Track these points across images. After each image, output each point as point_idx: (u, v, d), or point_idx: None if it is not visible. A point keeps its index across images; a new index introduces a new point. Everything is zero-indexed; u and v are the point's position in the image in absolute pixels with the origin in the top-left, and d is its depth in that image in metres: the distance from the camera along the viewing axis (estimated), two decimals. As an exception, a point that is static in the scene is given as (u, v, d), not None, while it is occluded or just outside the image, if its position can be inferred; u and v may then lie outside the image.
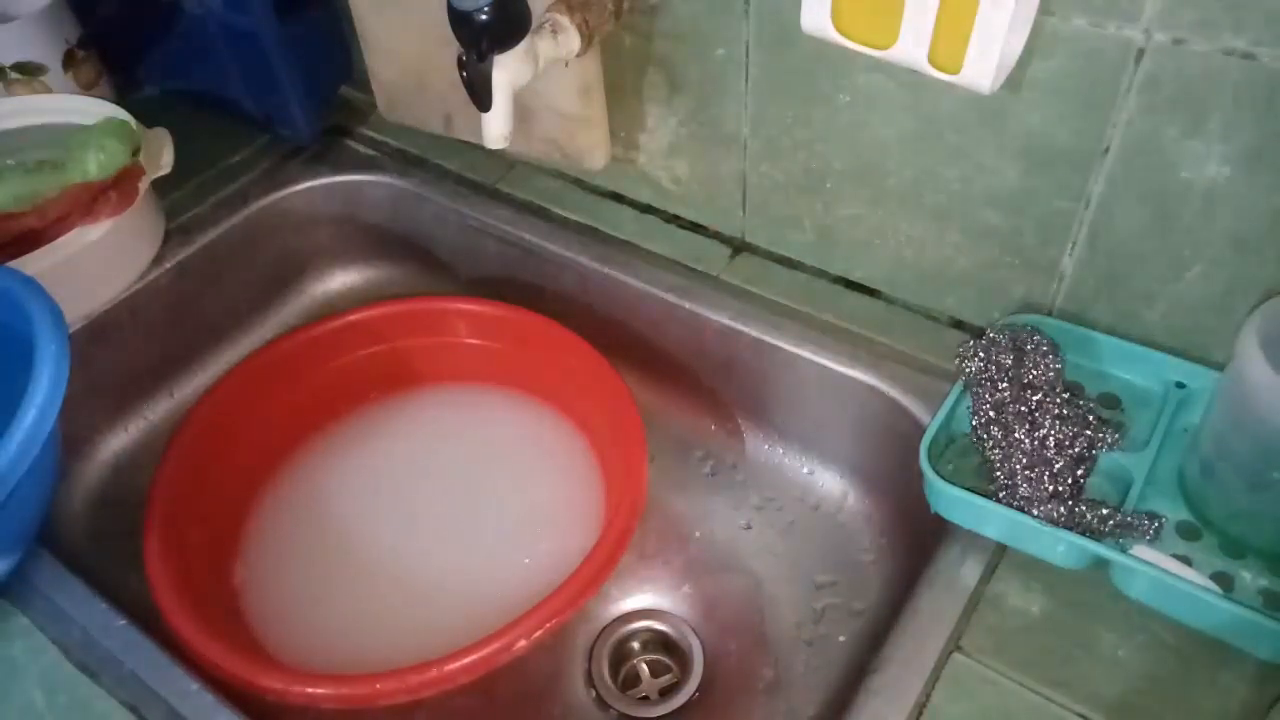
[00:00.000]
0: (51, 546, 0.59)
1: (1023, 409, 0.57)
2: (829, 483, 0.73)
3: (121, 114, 0.76)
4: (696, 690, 0.66)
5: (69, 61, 0.83)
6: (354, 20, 0.77)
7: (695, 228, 0.77)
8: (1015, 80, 0.54)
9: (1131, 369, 0.61)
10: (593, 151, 0.73)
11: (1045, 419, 0.57)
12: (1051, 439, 0.56)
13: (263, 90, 0.84)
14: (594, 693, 0.67)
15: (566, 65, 0.66)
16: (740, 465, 0.76)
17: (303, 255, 0.87)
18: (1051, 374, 0.58)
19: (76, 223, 0.69)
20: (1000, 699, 0.50)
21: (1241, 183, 0.51)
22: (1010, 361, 0.59)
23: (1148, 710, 0.49)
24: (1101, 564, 0.53)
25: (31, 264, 0.65)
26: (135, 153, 0.72)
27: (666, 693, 0.67)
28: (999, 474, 0.56)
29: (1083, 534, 0.52)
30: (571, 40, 0.62)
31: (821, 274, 0.72)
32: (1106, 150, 0.54)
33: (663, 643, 0.70)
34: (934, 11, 0.49)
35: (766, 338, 0.69)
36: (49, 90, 0.82)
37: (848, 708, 0.51)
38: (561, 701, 0.67)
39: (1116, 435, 0.57)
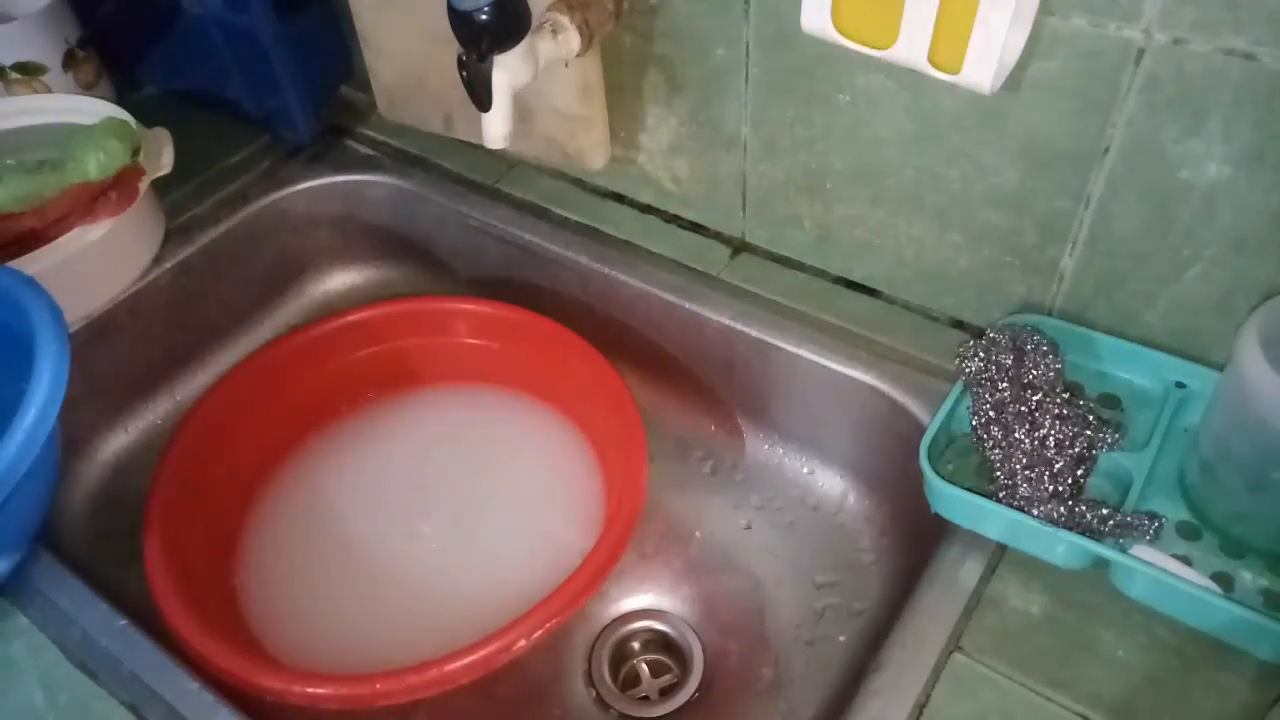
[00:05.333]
0: (51, 546, 0.59)
1: (1023, 409, 0.57)
2: (829, 483, 0.73)
3: (121, 114, 0.76)
4: (696, 690, 0.66)
5: (69, 61, 0.83)
6: (354, 20, 0.77)
7: (695, 228, 0.77)
8: (1015, 80, 0.54)
9: (1131, 369, 0.61)
10: (593, 151, 0.73)
11: (1045, 419, 0.57)
12: (1051, 439, 0.56)
13: (262, 90, 0.84)
14: (594, 693, 0.67)
15: (566, 65, 0.66)
16: (740, 465, 0.76)
17: (303, 255, 0.87)
18: (1051, 374, 0.58)
19: (76, 223, 0.69)
20: (1000, 699, 0.50)
21: (1241, 183, 0.51)
22: (1010, 361, 0.59)
23: (1148, 710, 0.49)
24: (1101, 564, 0.53)
25: (31, 264, 0.65)
26: (135, 153, 0.72)
27: (666, 693, 0.67)
28: (999, 474, 0.56)
29: (1083, 534, 0.52)
30: (571, 40, 0.62)
31: (821, 274, 0.72)
32: (1106, 150, 0.54)
33: (663, 643, 0.70)
34: (934, 11, 0.49)
35: (766, 338, 0.69)
36: (49, 90, 0.82)
37: (848, 708, 0.51)
38: (561, 701, 0.67)
39: (1116, 435, 0.57)
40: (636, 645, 0.70)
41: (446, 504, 0.72)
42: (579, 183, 0.81)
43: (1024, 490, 0.54)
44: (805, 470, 0.74)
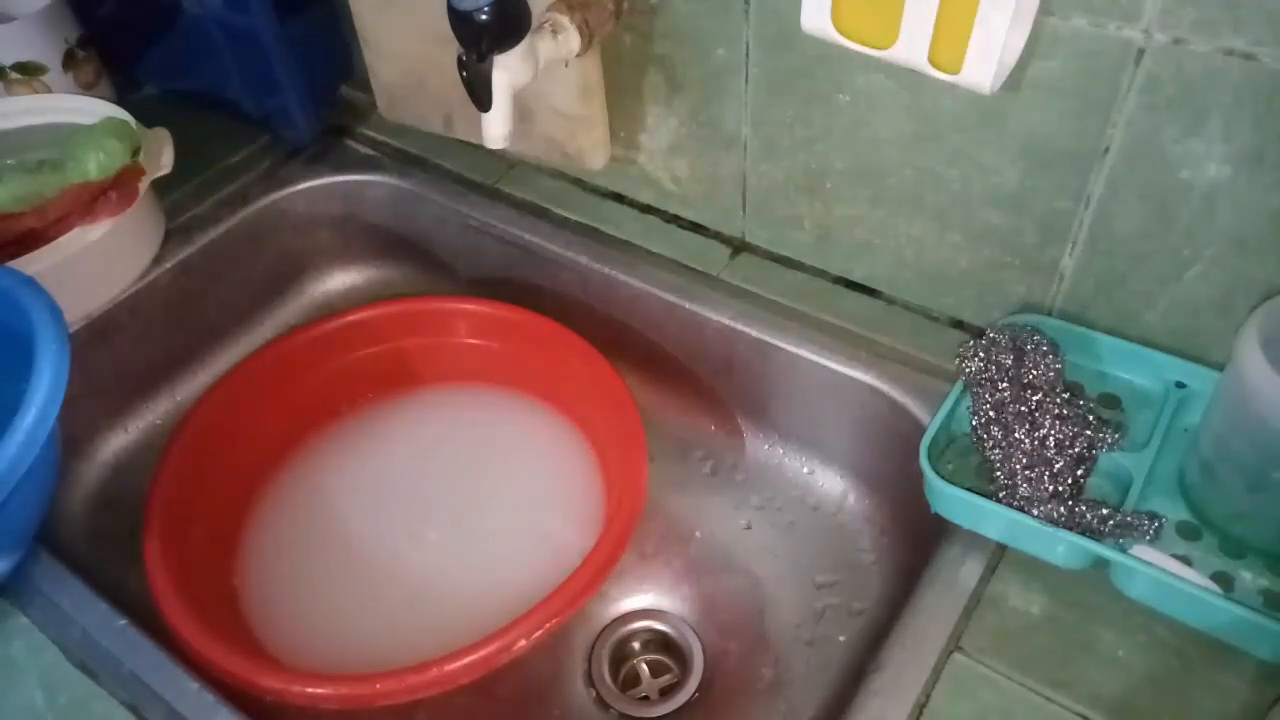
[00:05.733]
0: (51, 546, 0.59)
1: (1023, 409, 0.57)
2: (829, 483, 0.73)
3: (121, 114, 0.76)
4: (696, 690, 0.66)
5: (69, 61, 0.83)
6: (354, 20, 0.77)
7: (695, 228, 0.77)
8: (1015, 80, 0.54)
9: (1131, 369, 0.61)
10: (593, 151, 0.73)
11: (1045, 419, 0.57)
12: (1051, 439, 0.56)
13: (263, 90, 0.84)
14: (594, 693, 0.67)
15: (566, 65, 0.66)
16: (740, 465, 0.76)
17: (303, 255, 0.87)
18: (1051, 374, 0.58)
19: (76, 223, 0.69)
20: (1000, 699, 0.50)
21: (1241, 183, 0.51)
22: (1010, 361, 0.59)
23: (1148, 710, 0.49)
24: (1101, 564, 0.53)
25: (31, 264, 0.65)
26: (135, 153, 0.72)
27: (666, 693, 0.67)
28: (999, 474, 0.56)
29: (1083, 534, 0.52)
30: (571, 40, 0.62)
31: (821, 274, 0.72)
32: (1106, 150, 0.54)
33: (663, 643, 0.70)
34: (934, 11, 0.49)
35: (766, 338, 0.69)
36: (49, 90, 0.82)
37: (848, 708, 0.51)
38: (561, 701, 0.67)
39: (1116, 435, 0.57)
40: (636, 645, 0.70)
41: (446, 504, 0.72)
42: (579, 183, 0.81)
43: (1024, 490, 0.54)
44: (805, 470, 0.74)
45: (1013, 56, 0.51)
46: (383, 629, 0.66)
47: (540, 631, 0.55)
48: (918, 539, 0.63)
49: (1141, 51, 0.50)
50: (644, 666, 0.69)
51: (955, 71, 0.50)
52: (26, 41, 0.81)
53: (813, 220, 0.70)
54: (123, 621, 0.55)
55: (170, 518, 0.62)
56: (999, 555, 0.56)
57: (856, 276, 0.71)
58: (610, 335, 0.74)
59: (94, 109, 0.77)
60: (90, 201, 0.69)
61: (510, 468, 0.75)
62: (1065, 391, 0.58)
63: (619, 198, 0.80)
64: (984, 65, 0.49)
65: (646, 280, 0.73)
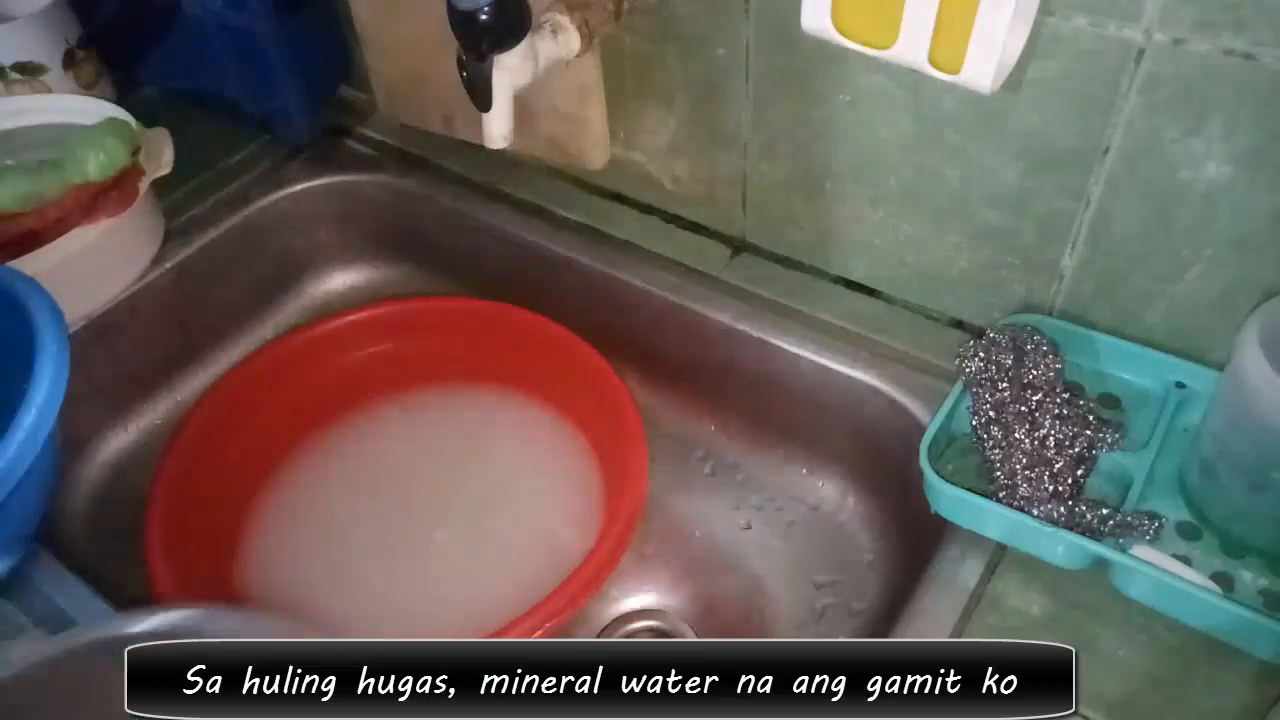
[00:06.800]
0: (51, 546, 0.59)
1: (1023, 409, 0.57)
2: (829, 482, 0.73)
3: (121, 114, 0.76)
4: (696, 690, 0.66)
5: (69, 61, 0.83)
6: (354, 20, 0.77)
7: (695, 228, 0.77)
8: (1015, 80, 0.54)
9: (1131, 369, 0.61)
10: (593, 151, 0.73)
11: (1045, 419, 0.57)
12: (1051, 439, 0.56)
13: (262, 90, 0.84)
14: (594, 693, 0.67)
15: (566, 65, 0.66)
16: (740, 465, 0.76)
17: (303, 255, 0.87)
18: (1051, 374, 0.58)
19: (76, 223, 0.69)
20: (1000, 699, 0.50)
21: (1241, 183, 0.51)
22: (1010, 361, 0.59)
23: (1148, 710, 0.49)
24: (1101, 564, 0.53)
25: (31, 264, 0.65)
26: (135, 153, 0.72)
27: (666, 693, 0.67)
28: (999, 474, 0.56)
29: (1083, 534, 0.52)
30: (571, 40, 0.62)
31: (821, 274, 0.72)
32: (1107, 150, 0.54)
33: (663, 643, 0.70)
34: (934, 11, 0.49)
35: (766, 338, 0.69)
36: (49, 90, 0.82)
37: (848, 708, 0.51)
38: (561, 701, 0.67)
39: (1116, 435, 0.57)
40: (636, 645, 0.70)
41: (446, 505, 0.72)
42: (579, 183, 0.81)
43: (1024, 490, 0.54)
44: (805, 470, 0.74)
45: (1013, 56, 0.51)
46: (383, 630, 0.66)
47: (540, 631, 0.55)
48: (918, 539, 0.63)
49: (1141, 51, 0.50)
50: (644, 666, 0.69)
51: (955, 71, 0.50)
52: (26, 41, 0.80)
53: (813, 220, 0.70)
54: (123, 621, 0.55)
55: (170, 518, 0.62)
56: (999, 555, 0.56)
57: (856, 276, 0.71)
58: (610, 335, 0.74)
59: (94, 109, 0.77)
60: (90, 201, 0.69)
61: (510, 468, 0.75)
62: (1065, 391, 0.58)
63: (619, 198, 0.80)
64: (984, 65, 0.49)
65: (646, 280, 0.73)
